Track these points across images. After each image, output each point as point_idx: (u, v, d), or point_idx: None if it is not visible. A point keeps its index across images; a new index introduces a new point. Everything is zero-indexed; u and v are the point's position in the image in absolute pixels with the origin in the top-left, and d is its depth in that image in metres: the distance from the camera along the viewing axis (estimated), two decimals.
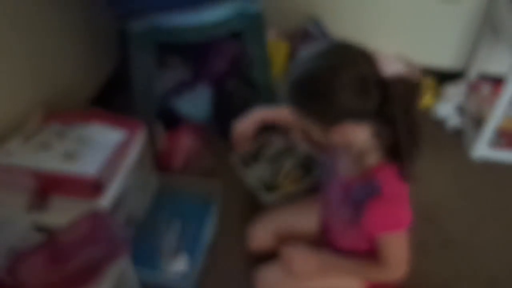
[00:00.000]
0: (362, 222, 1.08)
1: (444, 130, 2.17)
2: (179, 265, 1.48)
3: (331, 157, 1.24)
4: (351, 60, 0.98)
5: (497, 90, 1.91)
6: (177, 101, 2.03)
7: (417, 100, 1.02)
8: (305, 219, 1.46)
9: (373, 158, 1.07)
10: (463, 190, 1.89)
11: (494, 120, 1.87)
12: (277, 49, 2.18)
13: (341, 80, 0.95)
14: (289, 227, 1.45)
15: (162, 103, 1.99)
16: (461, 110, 2.19)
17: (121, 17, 1.56)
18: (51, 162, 1.27)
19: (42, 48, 1.66)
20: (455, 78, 2.33)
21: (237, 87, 2.02)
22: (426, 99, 2.23)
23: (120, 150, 1.38)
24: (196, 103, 2.06)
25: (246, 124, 1.41)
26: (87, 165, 1.27)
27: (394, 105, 0.97)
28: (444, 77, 2.33)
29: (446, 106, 2.19)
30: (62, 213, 1.19)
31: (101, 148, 1.35)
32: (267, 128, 1.51)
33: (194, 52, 2.15)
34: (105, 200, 1.28)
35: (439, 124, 2.20)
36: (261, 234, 1.50)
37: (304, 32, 2.28)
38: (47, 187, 1.28)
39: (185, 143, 1.88)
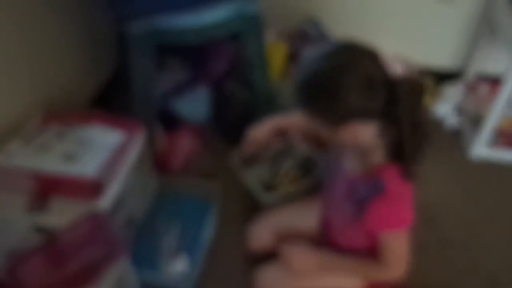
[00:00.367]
0: (364, 219, 1.08)
1: (442, 130, 2.17)
2: (179, 266, 1.48)
3: (336, 155, 1.24)
4: (357, 60, 0.99)
5: (495, 90, 1.92)
6: (176, 103, 2.04)
7: (422, 100, 1.02)
8: (304, 219, 1.46)
9: (378, 157, 1.08)
10: (462, 190, 1.89)
11: (492, 120, 1.88)
12: (276, 50, 2.18)
13: (347, 80, 0.96)
14: (289, 227, 1.45)
15: (161, 104, 1.99)
16: (459, 110, 2.19)
17: (121, 19, 1.56)
18: (51, 163, 1.28)
19: (42, 50, 1.66)
20: (453, 78, 2.33)
21: (236, 88, 2.03)
22: (424, 99, 2.23)
23: (120, 152, 1.38)
24: (195, 105, 2.06)
25: (261, 131, 1.41)
26: (87, 166, 1.27)
27: (400, 105, 0.98)
28: (442, 77, 2.34)
29: (444, 106, 2.20)
30: (62, 214, 1.20)
31: (101, 150, 1.35)
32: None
33: (193, 54, 2.15)
34: (105, 201, 1.28)
35: (437, 124, 2.20)
36: (260, 234, 1.50)
37: (303, 33, 2.29)
38: (47, 188, 1.28)
39: (185, 144, 1.88)
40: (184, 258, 1.50)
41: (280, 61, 2.22)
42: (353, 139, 1.06)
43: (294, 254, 1.24)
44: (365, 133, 1.05)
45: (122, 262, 1.19)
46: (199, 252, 1.53)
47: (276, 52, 2.19)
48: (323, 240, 1.33)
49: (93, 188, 1.26)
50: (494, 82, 2.15)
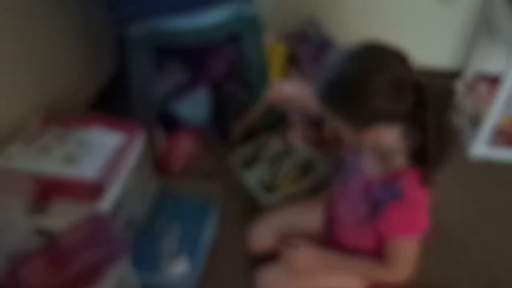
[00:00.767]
0: (378, 221, 1.08)
1: None
2: (179, 267, 1.49)
3: (354, 155, 1.24)
4: (386, 62, 0.97)
5: (494, 89, 1.92)
6: (176, 104, 2.04)
7: (451, 106, 1.00)
8: (305, 219, 1.46)
9: (399, 160, 1.07)
10: (462, 189, 1.89)
11: (491, 119, 1.88)
12: (275, 51, 2.19)
13: (375, 83, 0.94)
14: (290, 228, 1.45)
15: (161, 106, 2.00)
16: (458, 109, 2.19)
17: (120, 21, 1.57)
18: (51, 166, 1.28)
19: (42, 53, 1.67)
20: (452, 77, 2.33)
21: (236, 89, 2.03)
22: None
23: (120, 154, 1.38)
24: (195, 106, 2.06)
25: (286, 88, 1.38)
26: (87, 169, 1.28)
27: (427, 109, 0.96)
28: (441, 77, 2.34)
29: None
30: (62, 217, 1.20)
31: (101, 152, 1.35)
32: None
33: (193, 56, 2.15)
34: (105, 203, 1.28)
35: None
36: (261, 236, 1.50)
37: (302, 35, 2.29)
38: (48, 190, 1.28)
39: (185, 146, 1.88)
40: (184, 259, 1.50)
41: (280, 63, 2.22)
42: (375, 142, 1.05)
43: (298, 255, 1.24)
44: (388, 136, 1.04)
45: (123, 264, 1.19)
46: (199, 253, 1.53)
47: (276, 54, 2.20)
48: (327, 239, 1.33)
49: (94, 190, 1.26)
50: (493, 81, 2.15)
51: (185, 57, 2.16)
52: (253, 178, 1.68)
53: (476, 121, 2.03)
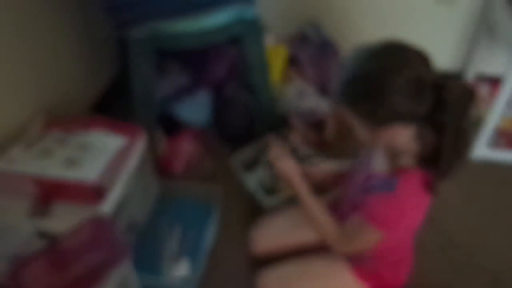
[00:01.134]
0: (361, 206, 1.09)
1: None
2: (181, 270, 1.49)
3: (366, 154, 1.24)
4: (407, 62, 0.96)
5: (495, 91, 1.92)
6: (177, 107, 2.04)
7: (471, 108, 0.98)
8: (307, 222, 1.46)
9: (406, 161, 1.06)
10: (463, 191, 1.89)
11: (493, 121, 1.88)
12: (275, 53, 2.19)
13: (396, 82, 0.93)
14: (291, 230, 1.46)
15: (162, 108, 2.00)
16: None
17: (121, 25, 1.57)
18: (53, 168, 1.28)
19: (45, 57, 1.68)
20: (454, 79, 2.33)
21: (237, 92, 2.03)
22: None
23: (121, 156, 1.39)
24: (195, 109, 2.07)
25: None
26: (89, 171, 1.28)
27: (447, 111, 0.94)
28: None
29: None
30: (64, 219, 1.20)
31: (102, 154, 1.36)
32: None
33: (193, 58, 2.16)
34: (107, 206, 1.29)
35: None
36: (262, 238, 1.51)
37: (303, 37, 2.29)
38: (49, 193, 1.29)
39: (186, 148, 1.89)
40: (185, 262, 1.50)
41: (280, 65, 2.22)
42: (389, 141, 1.05)
43: (283, 158, 1.28)
44: (403, 137, 1.03)
45: (124, 266, 1.19)
46: (200, 255, 1.54)
47: (276, 56, 2.20)
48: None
49: (95, 192, 1.26)
50: (494, 82, 2.15)
51: (186, 59, 2.16)
52: (254, 180, 1.68)
53: (477, 122, 2.03)
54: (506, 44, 1.83)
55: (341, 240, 1.16)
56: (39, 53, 1.64)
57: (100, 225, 1.17)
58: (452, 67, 2.38)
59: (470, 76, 2.29)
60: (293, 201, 1.61)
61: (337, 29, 2.30)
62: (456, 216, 1.79)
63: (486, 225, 1.76)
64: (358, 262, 1.27)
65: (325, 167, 1.44)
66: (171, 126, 1.95)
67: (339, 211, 1.32)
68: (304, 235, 1.42)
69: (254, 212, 1.67)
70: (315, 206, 1.21)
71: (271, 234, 1.49)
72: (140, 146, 1.48)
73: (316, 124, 2.02)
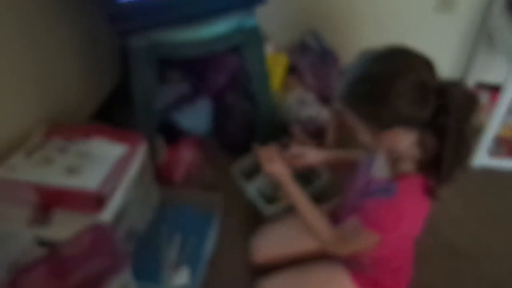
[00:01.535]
0: (359, 209, 1.09)
1: None
2: (181, 278, 1.48)
3: (367, 159, 1.24)
4: (411, 66, 0.97)
5: (495, 99, 1.92)
6: (177, 115, 2.05)
7: (473, 113, 0.98)
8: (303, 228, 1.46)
9: (407, 166, 1.06)
10: (464, 199, 1.89)
11: (493, 129, 1.88)
12: (276, 62, 2.20)
13: (400, 86, 0.94)
14: (291, 239, 1.46)
15: (162, 117, 2.01)
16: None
17: (122, 34, 1.58)
18: (53, 176, 1.28)
19: (46, 65, 1.68)
20: (456, 84, 2.34)
21: (237, 100, 2.04)
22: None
23: (122, 164, 1.39)
24: (196, 117, 2.07)
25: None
26: (89, 180, 1.28)
27: (449, 116, 0.95)
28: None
29: None
30: (64, 227, 1.20)
31: (103, 162, 1.36)
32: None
33: (194, 67, 2.17)
34: (107, 214, 1.29)
35: None
36: (262, 247, 1.51)
37: (303, 45, 2.30)
38: (49, 201, 1.29)
39: (186, 157, 1.89)
40: (185, 270, 1.50)
41: (281, 73, 2.23)
42: (391, 146, 1.05)
43: (274, 160, 1.28)
44: (404, 142, 1.04)
45: (124, 275, 1.19)
46: (200, 264, 1.53)
47: (277, 64, 2.21)
48: None
49: (95, 200, 1.26)
50: (494, 90, 2.15)
51: (186, 68, 2.17)
52: (254, 188, 1.68)
53: (477, 130, 2.03)
54: (505, 52, 1.83)
55: (336, 241, 1.16)
56: (41, 62, 1.65)
57: (100, 233, 1.17)
58: (452, 75, 2.38)
59: (470, 84, 2.29)
60: (293, 210, 1.61)
61: (337, 37, 2.31)
62: (457, 224, 1.78)
63: (487, 233, 1.75)
64: (358, 271, 1.26)
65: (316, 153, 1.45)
66: (172, 135, 1.95)
67: (341, 217, 1.32)
68: (303, 244, 1.42)
69: (254, 220, 1.67)
70: (308, 208, 1.22)
71: (271, 243, 1.49)
72: (140, 154, 1.49)
73: (317, 132, 2.02)
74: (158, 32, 1.57)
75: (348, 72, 1.02)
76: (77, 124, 1.85)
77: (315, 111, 2.05)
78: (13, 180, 1.28)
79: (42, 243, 1.22)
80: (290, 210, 1.61)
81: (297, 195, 1.24)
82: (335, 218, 1.40)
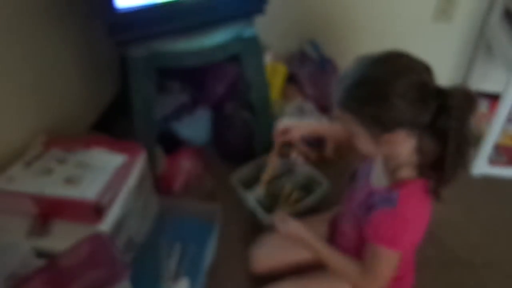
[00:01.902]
0: (366, 223, 1.08)
1: None
2: None
3: (365, 168, 1.24)
4: (412, 67, 0.98)
5: (495, 107, 1.92)
6: (177, 125, 2.05)
7: (473, 114, 0.99)
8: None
9: (407, 173, 1.06)
10: (465, 208, 1.88)
11: (492, 137, 1.88)
12: (275, 72, 2.21)
13: (401, 85, 0.94)
14: (290, 248, 1.45)
15: (162, 127, 2.01)
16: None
17: (121, 44, 1.59)
18: (52, 187, 1.28)
19: (45, 76, 1.69)
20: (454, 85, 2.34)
21: (236, 110, 2.04)
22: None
23: (121, 174, 1.38)
24: (195, 127, 2.07)
25: (301, 128, 1.43)
26: (88, 190, 1.28)
27: (451, 117, 0.95)
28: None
29: None
30: (62, 238, 1.19)
31: (102, 173, 1.36)
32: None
33: (193, 76, 2.17)
34: (106, 224, 1.28)
35: None
36: (262, 256, 1.50)
37: (302, 54, 2.31)
38: (48, 212, 1.28)
39: (185, 166, 1.89)
40: (185, 281, 1.49)
41: (280, 83, 2.24)
42: (390, 151, 1.04)
43: (284, 223, 1.29)
44: (404, 148, 1.03)
45: (123, 285, 1.18)
46: (200, 274, 1.52)
47: (276, 74, 2.21)
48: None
49: (94, 211, 1.26)
50: (494, 98, 2.16)
51: (185, 78, 2.18)
52: (254, 198, 1.68)
53: (477, 138, 2.03)
54: (504, 60, 1.84)
55: (369, 277, 1.13)
56: (40, 73, 1.65)
57: (99, 243, 1.16)
58: (451, 83, 2.38)
59: None
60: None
61: (336, 46, 2.32)
62: (458, 232, 1.78)
63: (488, 241, 1.75)
64: None
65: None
66: (171, 144, 1.95)
67: (341, 225, 1.31)
68: (303, 253, 1.41)
69: (254, 230, 1.66)
70: (331, 255, 1.21)
71: (271, 252, 1.48)
72: (139, 164, 1.48)
73: (316, 141, 2.02)
74: (157, 41, 1.58)
75: (346, 76, 1.02)
76: (76, 135, 1.85)
77: (314, 120, 2.05)
78: (12, 191, 1.27)
79: (40, 254, 1.21)
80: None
81: (317, 246, 1.24)
82: (334, 226, 1.39)
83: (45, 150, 1.45)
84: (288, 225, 1.29)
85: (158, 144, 1.89)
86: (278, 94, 2.22)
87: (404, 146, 1.03)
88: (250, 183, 1.73)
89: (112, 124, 2.09)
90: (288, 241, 1.31)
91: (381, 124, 0.98)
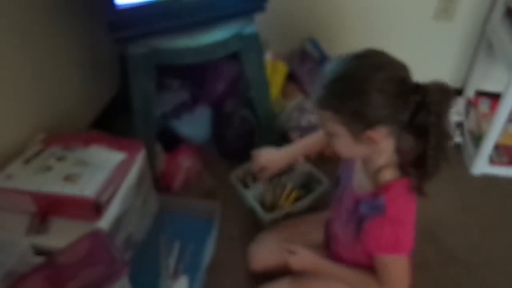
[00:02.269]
0: (362, 238, 1.07)
1: None
2: (179, 286, 1.47)
3: (347, 171, 1.23)
4: (389, 62, 0.98)
5: (496, 106, 1.92)
6: (176, 123, 2.05)
7: (450, 108, 0.99)
8: (305, 237, 1.45)
9: (388, 174, 1.06)
10: (465, 207, 1.88)
11: (493, 136, 1.87)
12: (275, 69, 2.20)
13: (379, 79, 0.94)
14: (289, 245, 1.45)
15: (161, 125, 2.01)
16: (460, 127, 2.19)
17: (121, 41, 1.58)
18: (51, 184, 1.28)
19: (45, 74, 1.69)
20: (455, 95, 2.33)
21: (236, 108, 2.04)
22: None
23: (120, 172, 1.38)
24: (195, 125, 2.07)
25: (278, 161, 1.45)
26: (87, 187, 1.27)
27: (430, 112, 0.95)
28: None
29: None
30: (61, 235, 1.19)
31: (101, 170, 1.35)
32: None
33: (193, 74, 2.17)
34: (105, 222, 1.28)
35: None
36: (261, 254, 1.50)
37: (302, 53, 2.31)
38: (47, 209, 1.28)
39: (185, 164, 1.88)
40: (184, 279, 1.48)
41: (280, 81, 2.23)
42: (371, 152, 1.04)
43: (295, 256, 1.28)
44: (384, 149, 1.03)
45: (122, 283, 1.18)
46: (199, 272, 1.52)
47: (276, 71, 2.21)
48: (328, 256, 1.32)
49: (93, 208, 1.26)
50: (495, 98, 2.15)
51: (185, 75, 2.17)
52: (253, 196, 1.67)
53: (478, 137, 2.03)
54: (505, 60, 1.83)
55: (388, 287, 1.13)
56: (39, 71, 1.65)
57: (97, 241, 1.16)
58: (453, 83, 2.38)
59: (471, 92, 2.29)
60: (292, 217, 1.61)
61: (336, 44, 2.31)
62: (457, 231, 1.77)
63: (488, 241, 1.74)
64: None
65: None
66: (171, 142, 1.94)
67: (333, 229, 1.31)
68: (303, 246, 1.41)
69: (254, 228, 1.66)
70: (349, 274, 1.21)
71: (269, 250, 1.48)
72: (139, 161, 1.48)
73: None
74: (157, 39, 1.57)
75: (324, 74, 1.02)
76: (76, 132, 1.84)
77: (314, 118, 2.04)
78: (11, 188, 1.27)
79: (39, 251, 1.21)
80: (290, 217, 1.61)
81: (331, 270, 1.25)
82: (328, 229, 1.39)
83: (44, 147, 1.45)
84: (299, 257, 1.29)
85: (158, 141, 1.89)
86: (278, 92, 2.21)
87: (384, 146, 1.03)
88: (249, 181, 1.73)
89: (111, 122, 2.09)
90: (303, 271, 1.31)
91: (361, 120, 0.98)
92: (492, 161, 1.99)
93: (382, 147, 1.03)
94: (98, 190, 1.28)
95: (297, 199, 1.72)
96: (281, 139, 2.00)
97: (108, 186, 1.31)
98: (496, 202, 1.90)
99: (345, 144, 1.04)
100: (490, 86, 2.28)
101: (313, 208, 1.63)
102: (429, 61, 2.31)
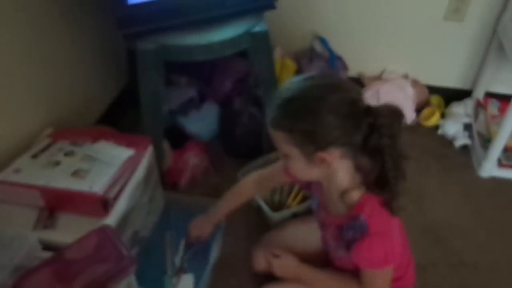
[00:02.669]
0: (352, 259, 1.10)
1: (453, 149, 2.15)
2: (185, 285, 1.47)
3: (317, 191, 1.24)
4: (342, 85, 0.99)
5: (506, 108, 1.90)
6: (184, 120, 2.04)
7: (401, 128, 0.99)
8: (307, 239, 1.44)
9: (356, 194, 1.07)
10: (473, 210, 1.87)
11: (503, 138, 1.86)
12: (284, 67, 2.20)
13: (332, 100, 0.94)
14: (292, 248, 1.44)
15: (169, 121, 2.00)
16: (469, 128, 2.18)
17: (130, 37, 1.58)
18: (59, 180, 1.28)
19: (54, 69, 1.69)
20: (464, 96, 2.32)
21: (244, 105, 2.03)
22: (434, 118, 2.22)
23: (127, 168, 1.38)
24: (203, 122, 2.06)
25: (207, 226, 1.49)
26: (95, 184, 1.27)
27: (382, 135, 0.96)
28: (452, 96, 2.33)
29: (455, 125, 2.17)
30: (68, 231, 1.20)
31: (109, 166, 1.35)
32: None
33: (201, 71, 2.16)
34: (112, 218, 1.28)
35: (447, 143, 2.18)
36: (263, 256, 1.49)
37: (311, 51, 2.30)
38: (55, 204, 1.28)
39: (192, 161, 1.88)
40: (190, 277, 1.48)
41: (289, 78, 2.22)
42: (328, 172, 1.05)
43: (278, 263, 1.30)
44: (342, 172, 1.05)
45: (128, 280, 1.18)
46: (205, 270, 1.52)
47: (285, 70, 2.20)
48: (328, 258, 1.32)
49: (100, 204, 1.26)
50: (505, 100, 2.13)
51: (194, 72, 2.17)
52: (260, 195, 1.67)
53: (487, 140, 2.02)
54: None
55: None
56: (48, 65, 1.65)
57: (105, 237, 1.15)
58: (463, 84, 2.36)
59: (480, 93, 2.27)
60: (298, 217, 1.60)
61: (345, 43, 2.30)
62: (465, 234, 1.76)
63: (495, 244, 1.73)
64: None
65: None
66: (178, 139, 1.94)
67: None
68: (305, 252, 1.41)
69: (260, 227, 1.65)
70: (332, 280, 1.23)
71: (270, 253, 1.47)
72: (146, 158, 1.48)
73: None
74: (167, 35, 1.57)
75: (278, 95, 1.02)
76: (84, 128, 1.84)
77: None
78: (19, 182, 1.27)
79: (47, 246, 1.21)
80: (295, 217, 1.60)
81: (317, 277, 1.26)
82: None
83: (52, 142, 1.45)
84: (281, 262, 1.30)
85: (165, 138, 1.88)
86: None
87: (341, 168, 1.04)
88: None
89: (119, 117, 2.09)
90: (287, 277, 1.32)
91: (313, 141, 0.98)
92: (500, 164, 1.97)
93: (336, 169, 1.04)
94: (106, 186, 1.28)
95: (304, 199, 1.72)
96: None
97: (116, 182, 1.31)
98: (504, 205, 1.89)
99: (299, 166, 1.04)
100: (500, 88, 2.26)
101: (308, 213, 1.62)
102: (439, 62, 2.29)
